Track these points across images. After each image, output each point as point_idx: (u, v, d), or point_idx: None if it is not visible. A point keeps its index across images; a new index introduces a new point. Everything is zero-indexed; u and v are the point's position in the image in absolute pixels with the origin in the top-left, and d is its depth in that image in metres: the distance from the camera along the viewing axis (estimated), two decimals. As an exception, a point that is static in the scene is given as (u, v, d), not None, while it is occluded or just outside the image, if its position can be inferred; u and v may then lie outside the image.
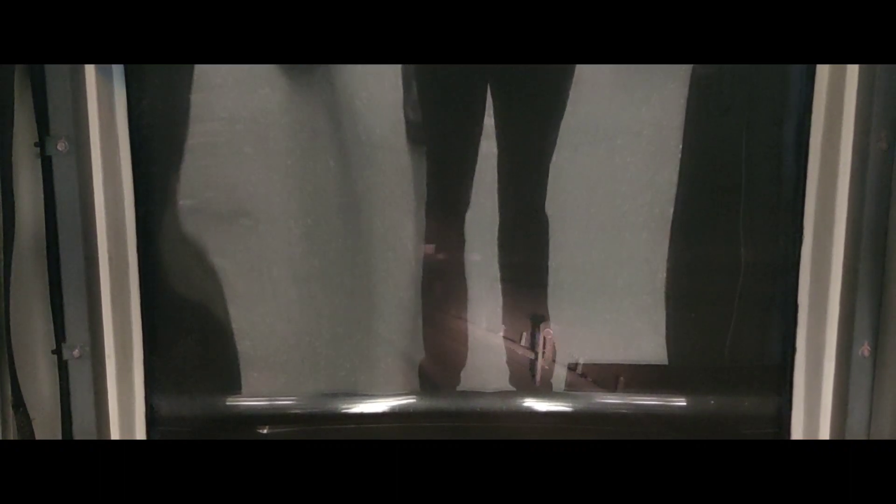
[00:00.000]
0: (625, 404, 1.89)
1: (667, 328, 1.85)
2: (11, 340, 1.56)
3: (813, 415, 1.74)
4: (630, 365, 1.88)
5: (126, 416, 1.77)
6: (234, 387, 1.88)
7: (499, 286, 1.87)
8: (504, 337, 1.90)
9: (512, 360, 1.91)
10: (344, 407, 1.90)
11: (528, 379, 1.91)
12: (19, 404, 1.59)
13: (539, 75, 1.76)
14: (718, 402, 1.87)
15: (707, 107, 1.76)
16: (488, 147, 1.79)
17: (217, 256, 1.82)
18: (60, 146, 1.60)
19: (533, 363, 1.90)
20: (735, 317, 1.82)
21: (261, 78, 1.74)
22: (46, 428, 1.69)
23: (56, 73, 1.58)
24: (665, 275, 1.83)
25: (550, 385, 1.90)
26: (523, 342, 1.90)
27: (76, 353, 1.67)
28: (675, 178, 1.78)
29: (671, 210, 1.80)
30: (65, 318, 1.67)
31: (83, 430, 1.70)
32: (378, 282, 1.85)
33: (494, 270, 1.86)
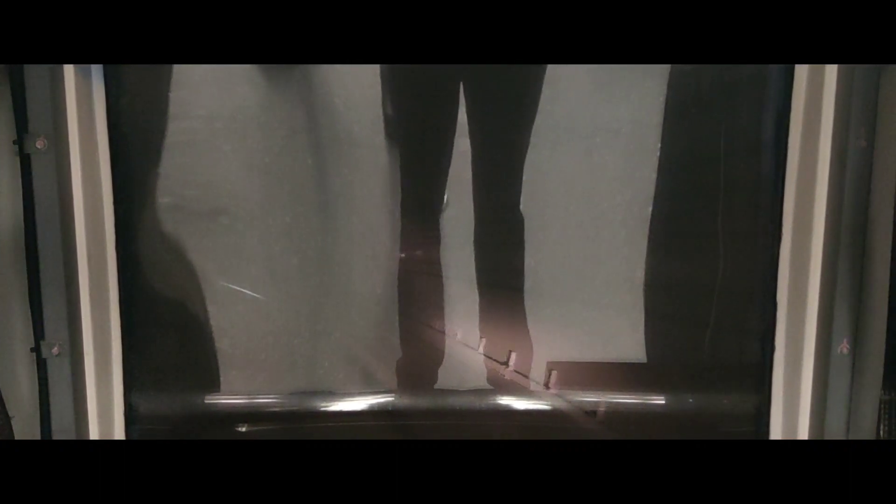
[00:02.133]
0: (603, 403, 1.89)
1: (645, 327, 1.85)
2: (-10, 338, 1.57)
3: (792, 413, 1.74)
4: (608, 364, 1.88)
5: (105, 413, 1.77)
6: (213, 385, 1.88)
7: (475, 285, 1.87)
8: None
9: (489, 359, 1.91)
10: (322, 405, 1.90)
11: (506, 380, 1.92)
12: (-2, 402, 1.60)
13: (512, 74, 1.76)
14: (697, 401, 1.87)
15: (686, 105, 1.77)
16: (465, 145, 1.80)
17: (196, 254, 1.82)
18: (39, 144, 1.60)
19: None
20: (714, 315, 1.82)
21: (239, 76, 1.75)
22: (25, 426, 1.69)
23: (35, 73, 1.59)
24: (643, 273, 1.83)
25: (528, 383, 1.90)
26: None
27: (55, 350, 1.68)
28: (653, 176, 1.78)
29: (650, 208, 1.80)
30: (43, 315, 1.67)
31: (62, 427, 1.71)
32: (356, 280, 1.86)
33: (471, 269, 1.87)
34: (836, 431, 1.68)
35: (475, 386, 1.91)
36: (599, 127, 1.78)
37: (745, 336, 1.82)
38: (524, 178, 1.81)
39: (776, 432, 1.77)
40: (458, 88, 1.77)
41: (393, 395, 1.91)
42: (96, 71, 1.68)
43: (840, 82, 1.61)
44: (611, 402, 1.89)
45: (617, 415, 1.88)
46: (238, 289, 1.84)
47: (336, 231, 1.82)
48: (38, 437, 1.71)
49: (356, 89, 1.77)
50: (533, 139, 1.79)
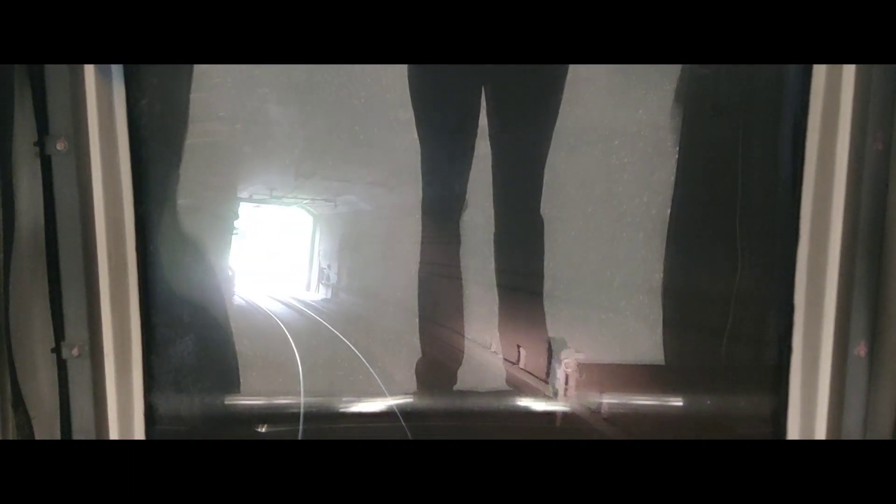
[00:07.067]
0: (621, 404, 1.89)
1: (663, 328, 1.85)
2: (11, 339, 1.56)
3: (809, 415, 1.74)
4: (626, 365, 1.88)
5: (125, 414, 1.77)
6: (233, 386, 1.88)
7: (495, 286, 1.87)
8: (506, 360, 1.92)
9: (508, 361, 1.91)
10: (341, 406, 1.90)
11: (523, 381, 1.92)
12: (18, 403, 1.59)
13: (534, 77, 1.76)
14: (715, 402, 1.88)
15: (703, 108, 1.77)
16: (485, 148, 1.80)
17: (215, 256, 1.82)
18: (60, 146, 1.60)
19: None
20: (731, 317, 1.83)
21: (259, 78, 1.74)
22: (45, 426, 1.69)
23: (55, 73, 1.58)
24: (661, 275, 1.83)
25: (546, 385, 1.91)
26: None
27: (75, 351, 1.67)
28: (671, 178, 1.79)
29: (668, 210, 1.80)
30: (64, 316, 1.67)
31: (82, 428, 1.70)
32: (376, 282, 1.86)
33: (490, 271, 1.87)
34: (853, 432, 1.68)
35: (494, 387, 1.91)
36: (618, 130, 1.78)
37: (762, 338, 1.82)
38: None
39: (794, 433, 1.77)
40: (480, 91, 1.78)
41: (412, 396, 1.91)
42: (116, 71, 1.68)
43: (858, 83, 1.60)
44: (629, 404, 1.89)
45: (635, 416, 1.88)
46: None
47: (357, 233, 1.83)
48: (57, 437, 1.71)
49: (376, 91, 1.78)
50: (552, 142, 1.79)
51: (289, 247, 2.02)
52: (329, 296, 1.92)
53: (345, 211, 1.84)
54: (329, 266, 1.97)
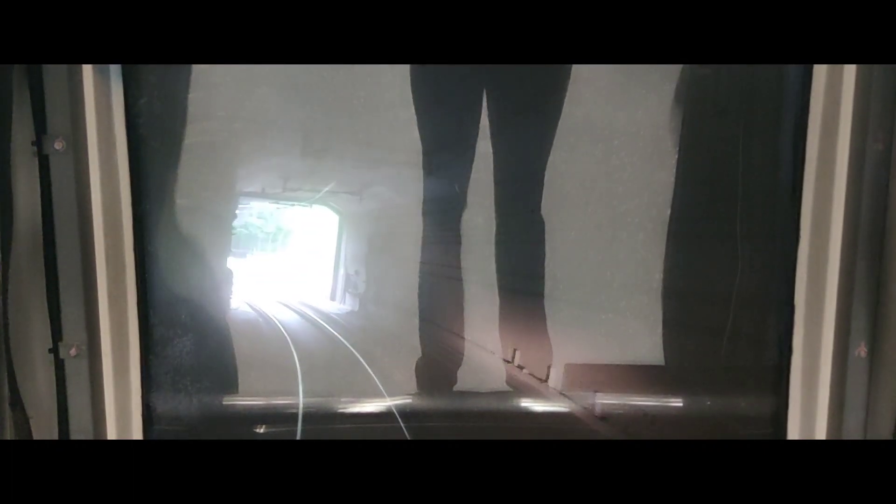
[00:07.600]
0: (621, 405, 1.89)
1: (663, 329, 1.85)
2: (9, 339, 1.56)
3: (809, 415, 1.74)
4: (626, 366, 1.88)
5: (122, 414, 1.77)
6: (231, 386, 1.88)
7: (495, 286, 1.87)
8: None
9: (508, 362, 1.91)
10: (340, 407, 1.90)
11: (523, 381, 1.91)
12: (16, 403, 1.59)
13: (536, 77, 1.76)
14: (715, 403, 1.87)
15: (704, 108, 1.77)
16: (486, 148, 1.79)
17: (214, 256, 1.82)
18: (58, 145, 1.59)
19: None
20: (731, 317, 1.82)
21: (258, 77, 1.74)
22: (43, 426, 1.69)
23: (54, 73, 1.58)
24: (662, 275, 1.83)
25: (547, 386, 1.90)
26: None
27: (73, 351, 1.67)
28: (671, 178, 1.79)
29: (668, 211, 1.80)
30: (62, 316, 1.66)
31: (80, 428, 1.70)
32: (376, 281, 1.86)
33: (491, 272, 1.87)
34: (853, 432, 1.68)
35: (494, 388, 1.91)
36: (618, 129, 1.78)
37: (762, 338, 1.82)
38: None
39: (794, 433, 1.77)
40: (482, 91, 1.77)
41: (412, 396, 1.91)
42: (114, 71, 1.68)
43: (858, 83, 1.60)
44: (628, 404, 1.89)
45: (635, 416, 1.88)
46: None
47: (356, 233, 1.82)
48: (55, 437, 1.71)
49: (376, 90, 1.78)
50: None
51: (291, 244, 2.02)
52: (346, 302, 1.92)
53: (351, 211, 1.84)
54: (357, 272, 1.96)
